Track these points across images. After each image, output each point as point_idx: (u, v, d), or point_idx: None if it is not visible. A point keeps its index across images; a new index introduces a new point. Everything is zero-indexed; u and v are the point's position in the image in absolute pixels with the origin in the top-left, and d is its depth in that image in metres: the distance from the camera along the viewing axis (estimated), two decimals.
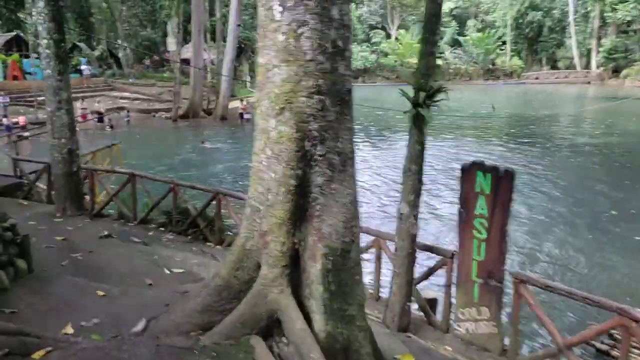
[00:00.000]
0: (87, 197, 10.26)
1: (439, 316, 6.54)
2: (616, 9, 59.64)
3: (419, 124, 5.86)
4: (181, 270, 4.96)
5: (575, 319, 6.90)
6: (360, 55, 68.95)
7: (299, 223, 3.02)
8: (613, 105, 35.45)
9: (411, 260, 5.95)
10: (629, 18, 59.33)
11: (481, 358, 5.47)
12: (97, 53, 42.28)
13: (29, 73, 31.49)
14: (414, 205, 5.92)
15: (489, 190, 5.65)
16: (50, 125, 6.89)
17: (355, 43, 71.13)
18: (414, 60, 66.08)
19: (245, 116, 31.98)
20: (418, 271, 6.27)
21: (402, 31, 71.82)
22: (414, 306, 6.46)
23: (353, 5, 73.53)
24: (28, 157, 12.83)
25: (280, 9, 2.87)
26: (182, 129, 29.58)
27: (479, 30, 72.91)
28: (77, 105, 26.54)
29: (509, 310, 5.68)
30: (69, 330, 3.14)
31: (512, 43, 72.14)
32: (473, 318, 5.93)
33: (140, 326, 3.13)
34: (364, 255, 5.92)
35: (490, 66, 70.46)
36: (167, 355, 2.64)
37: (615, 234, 11.07)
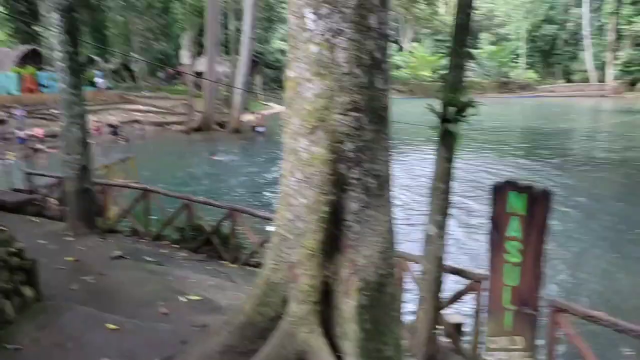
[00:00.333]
0: (100, 214, 10.07)
1: (465, 343, 6.19)
2: (632, 22, 59.06)
3: (447, 140, 5.55)
4: (197, 298, 4.66)
5: (619, 352, 6.47)
6: None
7: (331, 254, 2.71)
8: (631, 119, 34.83)
9: (439, 284, 5.61)
10: None
11: None
12: (112, 66, 42.57)
13: (45, 86, 31.66)
14: (442, 226, 5.59)
15: (524, 211, 5.29)
16: (63, 141, 6.67)
17: None
18: (427, 73, 65.95)
19: (258, 129, 31.86)
20: (444, 295, 5.92)
21: (415, 44, 71.67)
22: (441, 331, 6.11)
23: None
24: (43, 170, 12.71)
25: (314, 17, 2.60)
26: (195, 142, 29.49)
27: (492, 43, 72.58)
28: (92, 118, 26.57)
29: (545, 341, 5.30)
30: None
31: (526, 56, 71.70)
32: (505, 347, 5.54)
33: None
34: None
35: (504, 79, 70.01)
36: None
37: None
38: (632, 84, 61.68)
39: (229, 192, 17.38)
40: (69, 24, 6.35)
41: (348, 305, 2.68)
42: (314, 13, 2.60)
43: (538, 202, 5.18)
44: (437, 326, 5.73)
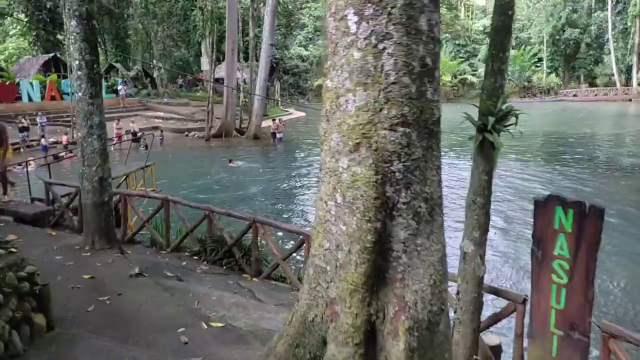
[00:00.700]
0: (119, 225, 9.87)
1: None
2: None
3: (485, 151, 5.16)
4: (220, 325, 4.35)
5: None
6: None
7: (376, 289, 2.37)
8: None
9: (477, 306, 5.21)
10: None
11: None
12: (132, 73, 42.90)
13: (67, 93, 31.96)
14: (480, 244, 5.20)
15: (571, 228, 4.88)
16: (80, 152, 6.45)
17: None
18: (447, 78, 65.19)
19: (278, 135, 31.68)
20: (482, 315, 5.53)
21: None
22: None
23: None
24: (65, 178, 12.63)
25: (356, 18, 2.28)
26: (215, 148, 29.40)
27: (513, 47, 71.62)
28: (113, 125, 26.68)
29: None
30: None
31: (548, 60, 70.60)
32: None
33: None
34: None
35: (526, 83, 68.98)
36: None
37: None
38: None
39: (248, 200, 17.13)
40: (87, 32, 6.13)
41: (396, 347, 2.33)
42: (357, 14, 2.27)
43: (587, 218, 4.77)
44: (477, 351, 5.34)
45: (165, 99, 40.21)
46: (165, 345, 3.78)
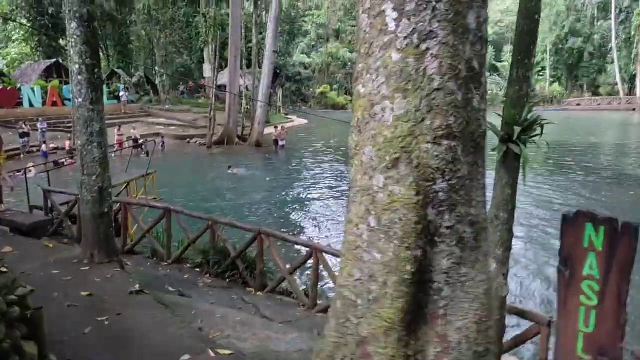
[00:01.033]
0: (119, 234, 9.56)
1: None
2: None
3: (509, 163, 4.84)
4: (228, 353, 4.02)
5: None
6: None
7: (414, 327, 2.06)
8: None
9: (501, 328, 4.88)
10: None
11: None
12: (134, 80, 42.75)
13: (68, 99, 31.74)
14: (503, 262, 4.87)
15: (602, 247, 4.56)
16: (80, 160, 6.14)
17: None
18: None
19: (280, 143, 31.38)
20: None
21: None
22: None
23: None
24: (65, 185, 12.34)
25: (396, 14, 1.97)
26: (217, 155, 29.11)
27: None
28: (114, 131, 26.42)
29: None
30: None
31: (551, 69, 70.50)
32: None
33: None
34: None
35: (530, 92, 68.85)
36: None
37: None
38: None
39: (251, 209, 16.81)
40: (88, 34, 5.84)
41: None
42: (397, 10, 1.96)
43: (620, 236, 4.45)
44: None
45: (167, 106, 40.01)
46: None
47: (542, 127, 4.87)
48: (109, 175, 6.30)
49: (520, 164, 4.70)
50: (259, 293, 8.15)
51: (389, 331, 2.02)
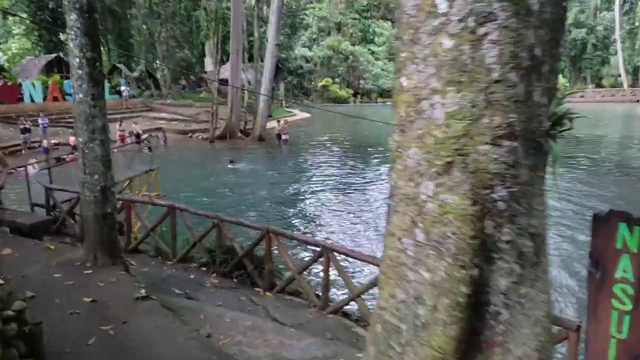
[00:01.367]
0: (122, 233, 9.32)
1: None
2: None
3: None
4: None
5: None
6: None
7: (469, 356, 1.78)
8: None
9: None
10: None
11: None
12: (136, 74, 42.41)
13: (69, 94, 31.41)
14: None
15: (637, 248, 4.29)
16: (81, 158, 5.86)
17: (392, 62, 70.22)
18: None
19: (283, 137, 31.10)
20: None
21: None
22: None
23: (389, 24, 72.66)
24: (67, 181, 12.07)
25: None
26: (219, 150, 28.83)
27: None
28: (116, 126, 26.14)
29: None
30: None
31: None
32: None
33: None
34: None
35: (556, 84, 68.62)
36: None
37: None
38: None
39: (255, 204, 16.55)
40: (88, 26, 5.54)
41: None
42: None
43: None
44: None
45: (168, 100, 39.71)
46: None
47: (571, 120, 4.58)
48: (111, 173, 6.02)
49: (550, 160, 4.43)
50: (267, 293, 7.91)
51: None
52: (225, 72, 36.86)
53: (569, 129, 4.73)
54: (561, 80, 68.99)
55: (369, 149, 28.54)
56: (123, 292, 5.06)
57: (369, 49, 69.88)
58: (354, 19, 72.85)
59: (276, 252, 8.19)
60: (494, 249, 1.75)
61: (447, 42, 1.70)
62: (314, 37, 70.15)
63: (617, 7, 64.62)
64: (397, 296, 1.85)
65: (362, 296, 6.94)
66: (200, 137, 32.33)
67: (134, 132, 27.19)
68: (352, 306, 7.41)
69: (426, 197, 1.75)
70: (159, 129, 30.82)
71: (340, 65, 66.52)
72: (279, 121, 33.65)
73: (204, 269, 8.83)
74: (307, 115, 47.65)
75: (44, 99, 31.53)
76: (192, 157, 26.85)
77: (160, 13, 42.11)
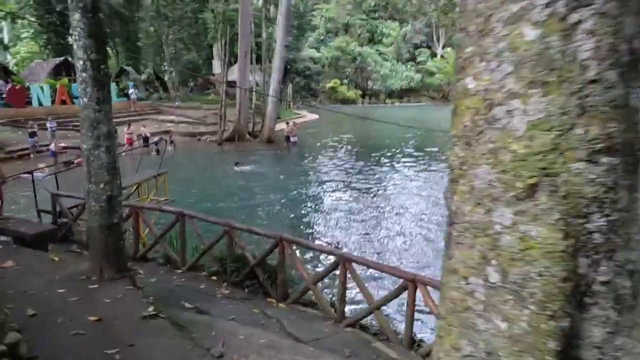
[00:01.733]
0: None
1: None
2: None
3: None
4: None
5: None
6: (405, 75, 68.01)
7: None
8: None
9: None
10: None
11: None
12: (143, 77, 42.31)
13: (77, 97, 31.33)
14: None
15: None
16: (86, 166, 5.55)
17: (400, 62, 69.76)
18: None
19: (292, 139, 30.80)
20: None
21: (448, 49, 69.91)
22: None
23: (397, 24, 72.19)
24: (76, 184, 11.83)
25: None
26: (228, 152, 28.55)
27: None
28: (124, 130, 25.96)
29: None
30: None
31: None
32: None
33: None
34: None
35: None
36: None
37: None
38: None
39: (265, 209, 16.24)
40: (92, 27, 5.24)
41: None
42: None
43: None
44: None
45: (176, 103, 39.54)
46: None
47: None
48: (118, 182, 5.71)
49: None
50: (280, 304, 7.58)
51: None
52: (233, 74, 36.62)
53: None
54: None
55: (378, 151, 28.19)
56: (130, 309, 4.74)
57: (376, 50, 69.55)
58: (362, 19, 72.47)
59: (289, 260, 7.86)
60: (587, 292, 1.39)
61: (530, 33, 1.34)
62: (322, 38, 69.87)
63: None
64: (462, 349, 1.50)
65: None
66: (208, 139, 32.10)
67: (142, 135, 26.98)
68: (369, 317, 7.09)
69: (502, 227, 1.40)
70: (167, 132, 30.63)
71: (348, 66, 66.21)
72: (287, 123, 33.35)
73: (214, 278, 8.51)
74: (315, 116, 47.32)
75: (52, 102, 31.46)
76: (200, 159, 26.61)
77: (168, 15, 41.96)
